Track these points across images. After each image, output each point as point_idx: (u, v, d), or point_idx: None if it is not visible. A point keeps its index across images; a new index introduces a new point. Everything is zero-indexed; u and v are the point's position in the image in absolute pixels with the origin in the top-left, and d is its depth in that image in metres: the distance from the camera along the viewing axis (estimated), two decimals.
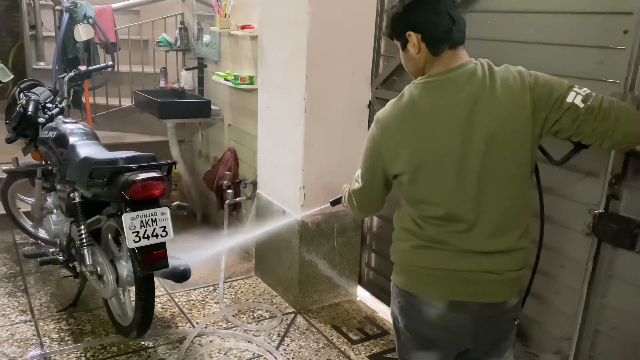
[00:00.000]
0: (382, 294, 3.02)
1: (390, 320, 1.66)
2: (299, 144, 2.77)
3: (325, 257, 2.97)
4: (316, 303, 3.01)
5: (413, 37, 1.41)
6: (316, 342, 2.67)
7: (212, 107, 3.87)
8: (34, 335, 2.56)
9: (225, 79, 3.53)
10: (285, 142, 2.90)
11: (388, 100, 1.52)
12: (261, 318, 2.87)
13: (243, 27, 3.28)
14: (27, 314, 2.75)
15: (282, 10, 2.80)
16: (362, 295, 3.17)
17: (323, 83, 2.72)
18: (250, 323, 2.80)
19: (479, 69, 1.39)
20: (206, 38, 3.94)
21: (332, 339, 2.70)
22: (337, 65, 2.74)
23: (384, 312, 2.97)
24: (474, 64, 1.40)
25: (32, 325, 2.65)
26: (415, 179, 1.42)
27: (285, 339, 2.68)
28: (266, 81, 3.02)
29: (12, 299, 2.90)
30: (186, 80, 4.18)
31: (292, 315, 2.91)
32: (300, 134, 2.75)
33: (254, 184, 3.42)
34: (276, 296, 3.11)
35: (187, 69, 4.17)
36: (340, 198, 1.96)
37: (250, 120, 3.47)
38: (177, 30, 4.21)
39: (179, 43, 4.19)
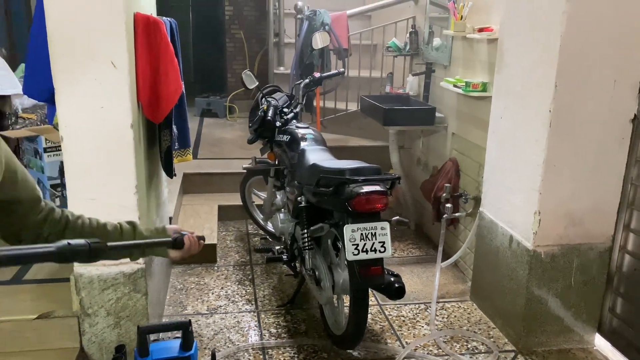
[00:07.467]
0: (628, 349, 2.48)
1: None
2: (539, 162, 2.42)
3: (559, 295, 2.55)
4: (542, 345, 2.61)
5: None
6: None
7: (437, 114, 3.70)
8: (256, 326, 2.74)
9: (455, 85, 3.31)
10: (521, 157, 2.57)
11: None
12: (475, 351, 2.60)
13: (480, 30, 3.02)
14: (252, 304, 2.96)
15: (530, 10, 2.47)
16: (601, 345, 2.65)
17: (575, 92, 2.32)
18: (463, 354, 2.56)
19: None
20: (436, 42, 3.78)
21: None
22: (594, 72, 2.31)
23: None
24: None
25: (255, 316, 2.84)
26: None
27: None
28: (503, 89, 2.72)
29: (241, 287, 3.17)
30: (412, 85, 4.08)
31: (512, 354, 2.58)
32: (541, 150, 2.39)
33: (477, 200, 3.14)
34: (494, 328, 2.79)
35: (414, 74, 4.07)
36: None
37: (478, 130, 3.19)
38: (407, 35, 4.13)
39: (408, 48, 4.11)
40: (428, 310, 2.94)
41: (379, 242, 2.14)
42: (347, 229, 2.11)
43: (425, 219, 4.01)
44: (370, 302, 2.96)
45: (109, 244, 1.05)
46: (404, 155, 4.25)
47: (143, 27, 2.23)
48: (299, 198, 2.58)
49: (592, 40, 2.26)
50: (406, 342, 2.64)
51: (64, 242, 0.96)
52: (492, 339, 2.69)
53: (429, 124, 3.71)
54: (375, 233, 2.14)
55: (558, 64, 2.28)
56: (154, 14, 2.83)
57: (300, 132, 2.86)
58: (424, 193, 3.77)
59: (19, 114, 3.72)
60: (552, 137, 2.35)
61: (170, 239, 1.35)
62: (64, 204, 2.97)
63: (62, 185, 3.09)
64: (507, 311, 2.70)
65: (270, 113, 2.88)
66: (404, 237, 3.91)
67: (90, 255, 0.99)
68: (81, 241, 0.97)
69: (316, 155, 2.57)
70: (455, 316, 2.90)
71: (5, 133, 3.19)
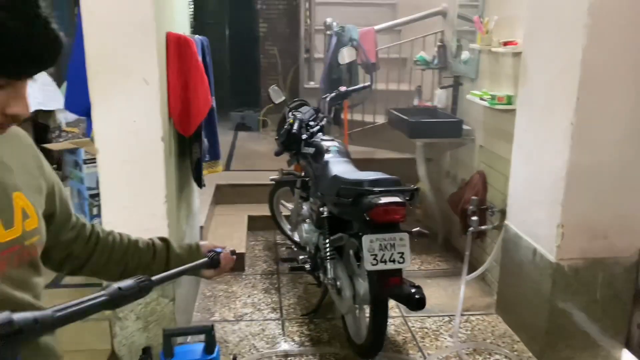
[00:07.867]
0: None
1: None
2: (561, 175, 2.41)
3: (584, 309, 2.52)
4: None
5: None
6: None
7: (464, 126, 3.71)
8: (280, 334, 2.81)
9: (481, 99, 3.32)
10: (544, 170, 2.56)
11: None
12: None
13: (505, 44, 3.04)
14: (277, 312, 3.03)
15: (552, 24, 2.48)
16: None
17: (597, 105, 2.31)
18: None
19: None
20: (464, 55, 3.80)
21: None
22: (616, 85, 2.30)
23: None
24: None
25: (279, 324, 2.91)
26: None
27: None
28: (527, 102, 2.73)
29: (267, 295, 3.24)
30: (440, 98, 4.10)
31: None
32: (564, 163, 2.39)
33: (503, 213, 3.12)
34: (518, 342, 2.77)
35: (442, 87, 4.09)
36: None
37: (504, 143, 3.19)
38: (436, 48, 4.16)
39: (436, 61, 4.14)
40: (452, 322, 2.94)
41: (398, 253, 2.18)
42: (366, 240, 2.16)
43: (453, 231, 4.00)
44: (393, 314, 3.00)
45: (154, 278, 1.01)
46: (431, 167, 4.26)
47: (174, 46, 2.36)
48: (321, 208, 2.65)
49: (613, 53, 2.26)
50: (428, 354, 2.65)
51: (115, 287, 0.94)
52: (515, 353, 2.67)
53: (456, 136, 3.72)
54: (394, 244, 2.18)
55: (580, 77, 2.28)
56: (187, 33, 2.98)
57: (325, 144, 2.93)
58: (451, 205, 3.77)
59: (62, 127, 3.94)
60: (574, 149, 2.34)
61: (206, 259, 1.30)
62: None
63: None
64: (532, 325, 2.68)
65: (295, 126, 2.97)
66: (431, 249, 3.91)
67: (138, 296, 0.97)
68: (130, 282, 0.96)
69: (338, 167, 2.63)
70: (479, 329, 2.89)
71: (48, 145, 3.39)
